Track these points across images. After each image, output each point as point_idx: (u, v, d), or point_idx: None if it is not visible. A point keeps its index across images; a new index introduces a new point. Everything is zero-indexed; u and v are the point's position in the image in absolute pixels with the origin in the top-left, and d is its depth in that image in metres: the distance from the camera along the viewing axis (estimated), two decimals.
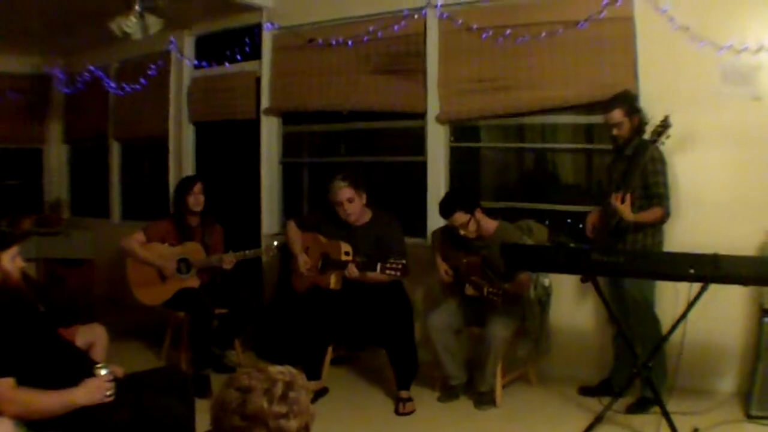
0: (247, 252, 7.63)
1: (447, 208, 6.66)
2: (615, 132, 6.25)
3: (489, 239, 6.68)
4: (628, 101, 6.28)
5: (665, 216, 6.15)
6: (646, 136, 6.02)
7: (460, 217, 6.58)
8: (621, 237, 6.23)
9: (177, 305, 7.48)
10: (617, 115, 6.19)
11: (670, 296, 6.20)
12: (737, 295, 6.21)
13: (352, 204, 6.90)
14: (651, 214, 6.10)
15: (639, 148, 6.08)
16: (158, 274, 7.53)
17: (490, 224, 6.73)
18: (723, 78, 6.44)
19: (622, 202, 5.94)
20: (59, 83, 12.04)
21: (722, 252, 5.00)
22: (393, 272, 6.43)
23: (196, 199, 7.62)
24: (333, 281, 6.90)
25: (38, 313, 4.63)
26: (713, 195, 6.47)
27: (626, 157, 6.21)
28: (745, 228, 6.29)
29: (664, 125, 5.77)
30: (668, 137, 5.82)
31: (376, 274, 6.55)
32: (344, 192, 6.87)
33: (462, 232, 6.64)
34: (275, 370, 2.59)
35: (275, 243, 7.80)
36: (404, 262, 6.45)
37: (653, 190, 6.09)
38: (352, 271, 6.68)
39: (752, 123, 6.36)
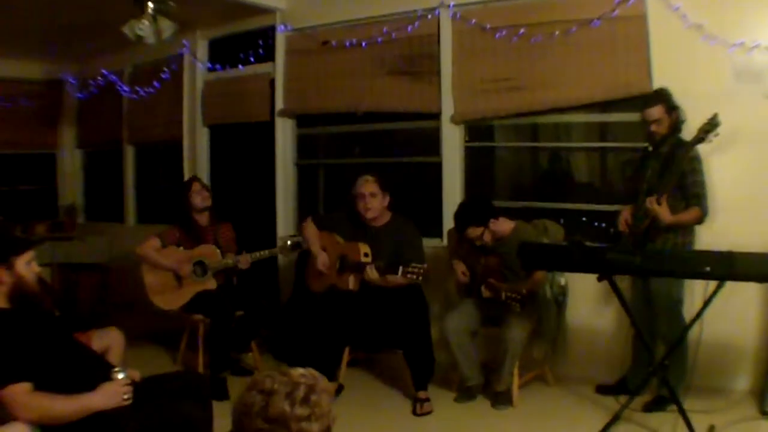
0: (261, 252, 7.64)
1: (459, 225, 6.73)
2: (653, 128, 6.17)
3: (506, 239, 6.68)
4: (667, 98, 6.20)
5: (703, 216, 6.08)
6: (691, 134, 5.91)
7: (473, 231, 6.62)
8: (652, 238, 6.17)
9: (194, 308, 7.47)
10: (658, 111, 6.12)
11: (685, 295, 6.21)
12: (752, 293, 6.20)
13: (374, 199, 6.97)
14: (688, 215, 6.04)
15: (676, 146, 6.02)
16: (175, 279, 7.53)
17: (506, 226, 6.74)
18: (735, 76, 6.42)
19: (659, 203, 5.92)
20: (72, 88, 12.08)
21: (737, 250, 4.99)
22: (414, 276, 6.46)
23: (201, 195, 7.66)
24: (351, 283, 6.93)
25: (54, 317, 4.64)
26: (727, 193, 6.42)
27: (661, 154, 6.15)
28: (759, 226, 6.27)
29: (713, 123, 5.68)
30: (717, 135, 5.74)
31: (396, 278, 6.59)
32: (369, 185, 6.98)
33: (478, 243, 6.67)
34: (297, 373, 2.60)
35: (288, 242, 7.79)
36: (425, 266, 6.49)
37: (692, 191, 6.02)
38: (372, 274, 6.72)
39: (765, 120, 6.34)
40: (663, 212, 5.89)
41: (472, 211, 6.72)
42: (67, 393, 3.99)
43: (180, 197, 7.77)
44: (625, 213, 6.47)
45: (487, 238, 6.64)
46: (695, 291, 5.94)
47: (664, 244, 6.13)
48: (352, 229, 7.14)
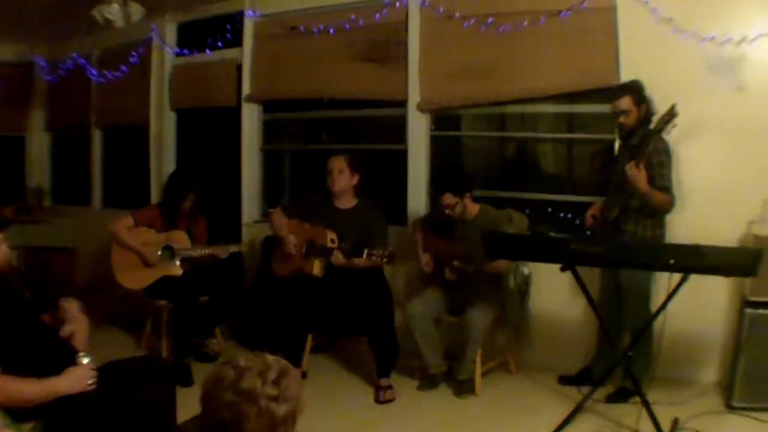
0: (232, 247, 7.77)
1: (440, 185, 6.82)
2: (622, 119, 6.20)
3: (471, 222, 6.77)
4: (637, 90, 6.21)
5: (671, 205, 6.12)
6: (652, 125, 5.97)
7: (448, 198, 6.67)
8: (622, 227, 6.23)
9: (159, 293, 7.48)
10: (626, 102, 6.15)
11: (652, 287, 6.25)
12: (719, 285, 6.20)
13: (341, 175, 7.07)
14: (660, 194, 6.02)
15: (646, 138, 6.00)
16: (141, 260, 7.54)
17: (473, 208, 6.83)
18: (708, 69, 6.45)
19: (638, 169, 5.85)
20: (42, 71, 11.97)
21: (704, 243, 5.02)
22: (379, 259, 6.50)
23: (191, 202, 7.71)
24: (317, 268, 6.94)
25: (21, 300, 4.62)
26: (695, 186, 6.47)
27: (633, 146, 6.13)
28: (727, 219, 6.32)
29: (671, 114, 5.68)
30: (675, 126, 5.74)
31: (362, 260, 6.63)
32: (339, 162, 7.10)
33: (447, 211, 6.72)
34: (270, 357, 2.69)
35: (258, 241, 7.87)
36: (392, 249, 6.54)
37: (657, 183, 6.01)
38: (338, 257, 6.77)
39: (735, 114, 6.38)
40: (640, 178, 5.87)
41: (454, 179, 6.82)
42: (34, 376, 3.98)
43: (174, 189, 7.77)
44: (593, 209, 6.56)
45: (458, 210, 6.71)
46: (660, 283, 5.96)
47: (633, 236, 6.16)
48: (323, 208, 7.20)
